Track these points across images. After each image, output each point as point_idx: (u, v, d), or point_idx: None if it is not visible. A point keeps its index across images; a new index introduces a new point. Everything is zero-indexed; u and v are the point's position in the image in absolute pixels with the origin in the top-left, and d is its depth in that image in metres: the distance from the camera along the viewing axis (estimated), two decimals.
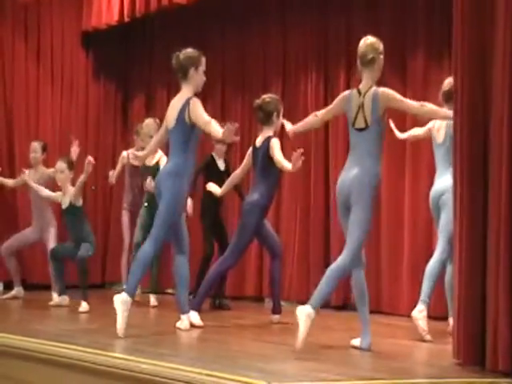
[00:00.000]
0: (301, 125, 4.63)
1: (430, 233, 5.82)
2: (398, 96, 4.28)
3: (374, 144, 4.22)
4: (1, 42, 7.65)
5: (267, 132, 5.37)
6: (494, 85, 3.56)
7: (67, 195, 6.10)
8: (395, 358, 4.07)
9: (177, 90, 7.84)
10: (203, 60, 4.86)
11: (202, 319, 5.40)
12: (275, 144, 5.25)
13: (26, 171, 6.49)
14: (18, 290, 6.78)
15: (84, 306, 5.95)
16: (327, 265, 6.42)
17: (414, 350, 4.36)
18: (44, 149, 6.77)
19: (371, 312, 5.96)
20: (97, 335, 4.76)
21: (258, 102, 5.40)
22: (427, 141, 5.91)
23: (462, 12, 3.72)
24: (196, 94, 4.84)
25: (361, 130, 4.24)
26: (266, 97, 5.43)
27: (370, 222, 4.21)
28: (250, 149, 5.50)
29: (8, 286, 7.22)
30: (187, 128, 4.76)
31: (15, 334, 4.53)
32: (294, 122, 6.45)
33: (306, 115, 6.66)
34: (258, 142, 5.42)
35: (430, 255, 5.78)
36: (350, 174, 4.22)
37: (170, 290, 7.38)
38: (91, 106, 8.15)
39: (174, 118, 4.79)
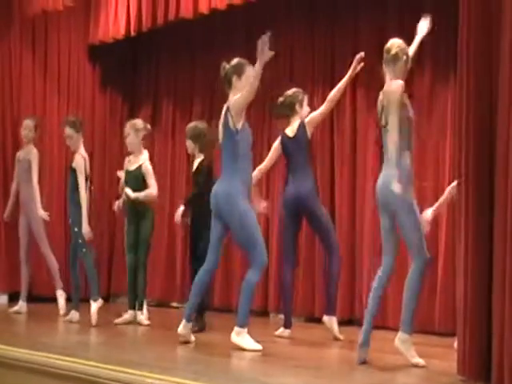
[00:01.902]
0: None
1: (437, 246, 5.81)
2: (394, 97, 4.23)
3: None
4: (8, 54, 7.70)
5: (295, 121, 5.47)
6: (501, 94, 3.56)
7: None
8: (400, 373, 4.05)
9: (183, 101, 8.04)
10: (247, 68, 4.79)
11: (206, 332, 5.40)
12: (309, 117, 5.42)
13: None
14: (21, 305, 6.74)
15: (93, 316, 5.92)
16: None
17: (418, 365, 4.33)
18: (36, 127, 6.80)
19: (377, 328, 5.97)
20: (102, 349, 4.76)
21: (279, 99, 5.55)
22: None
23: (468, 22, 3.73)
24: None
25: (384, 127, 4.28)
26: (288, 91, 5.55)
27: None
28: (278, 142, 5.50)
29: (13, 298, 7.23)
30: (234, 135, 4.71)
31: (21, 347, 4.54)
32: None
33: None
34: (291, 131, 5.46)
35: (436, 268, 5.79)
36: (380, 180, 4.28)
37: (174, 304, 7.39)
38: (97, 119, 8.19)
39: (221, 127, 4.76)
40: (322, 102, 6.48)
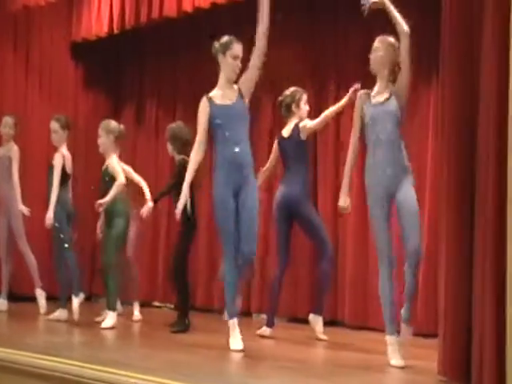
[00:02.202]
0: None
1: None
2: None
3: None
4: None
5: (292, 122, 5.49)
6: (482, 96, 3.60)
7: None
8: (382, 374, 4.08)
9: (167, 101, 8.01)
10: (233, 45, 4.76)
11: (190, 333, 5.39)
12: (304, 123, 5.41)
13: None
14: (1, 303, 6.69)
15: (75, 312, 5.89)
16: (315, 277, 6.48)
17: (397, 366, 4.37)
18: (16, 125, 6.80)
19: (360, 328, 6.02)
20: (86, 349, 4.73)
21: (278, 99, 5.61)
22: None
23: (450, 23, 3.77)
24: (236, 82, 4.79)
25: None
26: (287, 91, 5.56)
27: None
28: (276, 142, 5.58)
29: None
30: (211, 119, 4.70)
31: (4, 346, 4.49)
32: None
33: None
34: (286, 132, 5.50)
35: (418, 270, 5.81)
36: None
37: (156, 303, 7.36)
38: (80, 117, 8.12)
39: None
40: (308, 103, 6.54)
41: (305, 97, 5.53)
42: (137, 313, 6.31)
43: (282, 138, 5.54)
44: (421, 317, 5.68)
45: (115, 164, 5.93)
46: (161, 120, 7.84)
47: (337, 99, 6.41)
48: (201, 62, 7.74)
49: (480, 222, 3.56)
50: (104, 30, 7.51)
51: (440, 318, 3.82)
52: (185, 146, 5.84)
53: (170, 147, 5.93)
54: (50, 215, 6.00)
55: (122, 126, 6.12)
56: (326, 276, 5.34)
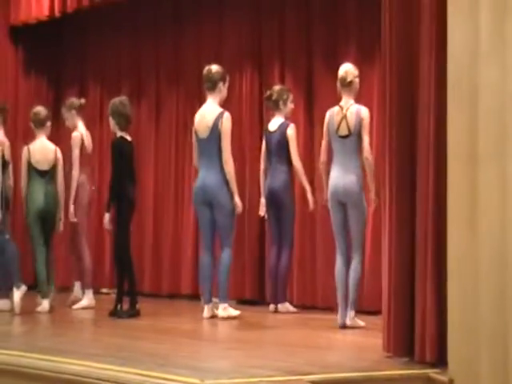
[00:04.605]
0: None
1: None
2: (366, 122, 4.96)
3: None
4: None
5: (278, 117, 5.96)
6: (421, 82, 3.64)
7: None
8: (329, 352, 4.10)
9: (110, 84, 7.84)
10: (228, 77, 5.53)
11: (137, 318, 5.34)
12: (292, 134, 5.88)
13: None
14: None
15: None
16: (262, 262, 6.48)
17: (346, 344, 4.39)
18: None
19: (308, 308, 6.04)
20: (26, 337, 4.63)
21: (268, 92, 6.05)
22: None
23: (390, 11, 3.81)
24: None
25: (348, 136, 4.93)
26: (274, 87, 6.06)
27: None
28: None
29: None
30: (220, 137, 5.39)
31: None
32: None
33: (240, 112, 6.71)
34: (272, 126, 5.95)
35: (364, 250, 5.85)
36: (343, 179, 4.89)
37: (104, 290, 7.28)
38: (21, 103, 7.90)
39: (209, 127, 5.39)
40: (251, 97, 6.62)
41: (291, 96, 6.00)
42: (89, 300, 6.21)
43: (268, 132, 5.99)
44: (367, 294, 5.72)
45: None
46: (104, 104, 7.68)
47: (282, 80, 6.44)
48: (144, 45, 7.63)
49: (421, 205, 3.61)
50: (45, 14, 7.36)
51: (383, 296, 3.86)
52: (127, 122, 5.72)
53: (112, 123, 5.76)
54: None
55: (37, 109, 6.20)
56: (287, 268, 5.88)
